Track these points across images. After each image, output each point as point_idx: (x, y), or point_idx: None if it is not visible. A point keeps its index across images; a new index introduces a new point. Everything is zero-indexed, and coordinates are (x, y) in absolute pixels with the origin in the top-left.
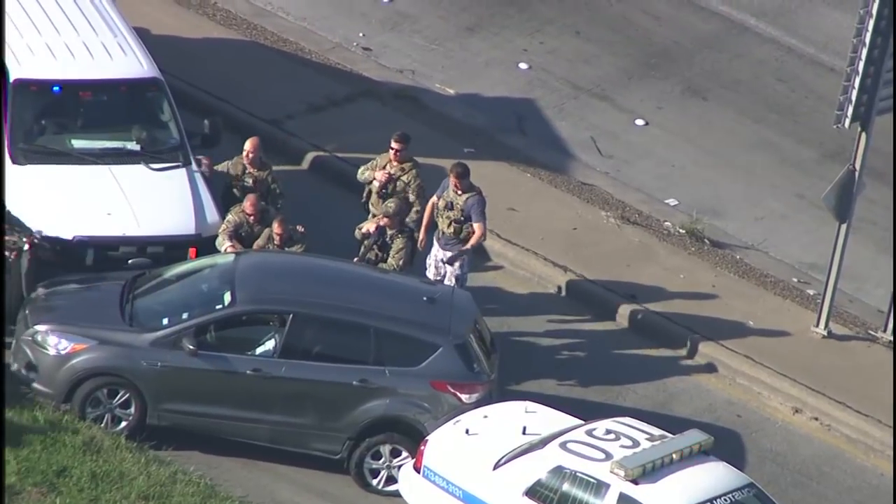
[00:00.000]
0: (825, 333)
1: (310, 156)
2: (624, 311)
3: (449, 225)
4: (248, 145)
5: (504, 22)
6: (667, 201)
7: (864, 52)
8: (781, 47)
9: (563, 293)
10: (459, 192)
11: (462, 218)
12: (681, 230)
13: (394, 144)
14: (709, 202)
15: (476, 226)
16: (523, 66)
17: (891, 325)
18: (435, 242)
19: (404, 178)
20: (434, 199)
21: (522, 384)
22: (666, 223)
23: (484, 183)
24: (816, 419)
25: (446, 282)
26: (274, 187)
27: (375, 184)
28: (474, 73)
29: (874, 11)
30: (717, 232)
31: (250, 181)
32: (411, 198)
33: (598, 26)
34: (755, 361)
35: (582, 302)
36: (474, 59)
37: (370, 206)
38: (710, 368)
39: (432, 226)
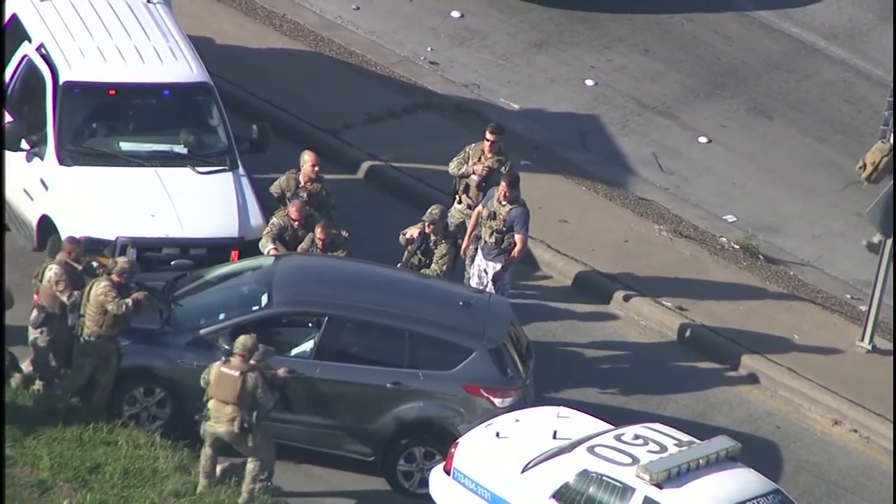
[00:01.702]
0: (869, 348)
1: (365, 165)
2: (669, 322)
3: (491, 235)
4: (309, 157)
5: (573, 39)
6: (724, 217)
7: None
8: (850, 69)
9: (611, 304)
10: (503, 203)
11: (504, 228)
12: (735, 245)
13: (489, 136)
14: (767, 219)
15: (518, 237)
16: (589, 82)
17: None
18: (479, 251)
19: (503, 169)
20: (479, 207)
21: (564, 392)
22: (721, 238)
23: (538, 195)
24: (856, 431)
25: (475, 279)
26: (330, 200)
27: (474, 177)
28: (539, 89)
29: None
30: (772, 248)
31: (304, 195)
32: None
33: (668, 45)
34: (797, 374)
35: (629, 313)
36: (540, 76)
37: (463, 197)
38: (752, 380)
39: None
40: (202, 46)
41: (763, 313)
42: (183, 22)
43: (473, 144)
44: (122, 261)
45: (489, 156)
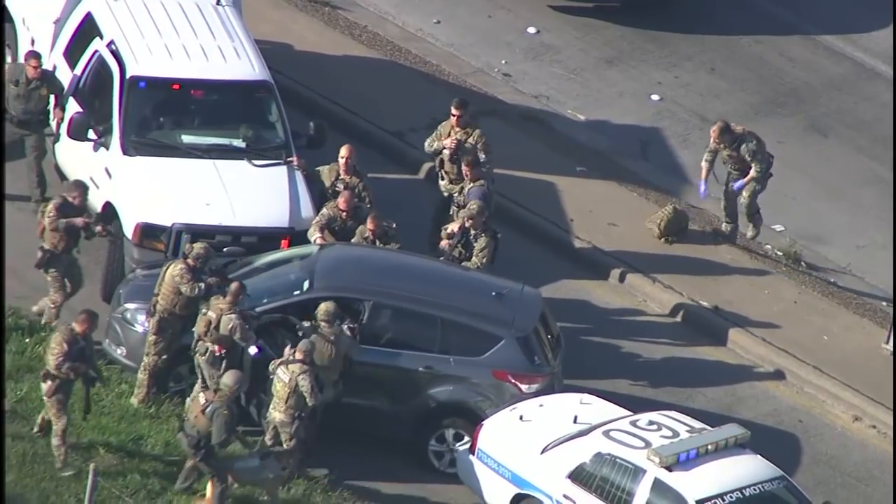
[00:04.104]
0: (892, 350)
1: (426, 166)
2: (704, 320)
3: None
4: (344, 152)
5: (643, 56)
6: (773, 227)
7: None
8: None
9: (649, 302)
10: (468, 180)
11: (463, 204)
12: (778, 252)
13: (454, 111)
14: (814, 230)
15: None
16: (655, 97)
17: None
18: None
19: (471, 140)
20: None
21: (596, 382)
22: (767, 246)
23: (590, 199)
24: (874, 427)
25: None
26: (364, 195)
27: (446, 152)
28: (606, 102)
29: None
30: (816, 257)
31: (342, 187)
32: (482, 156)
33: (734, 64)
34: (822, 372)
35: (667, 311)
36: (609, 90)
37: (443, 173)
38: (779, 376)
39: None
40: (280, 51)
41: (796, 315)
42: (265, 29)
43: (444, 122)
44: (198, 246)
45: (457, 130)
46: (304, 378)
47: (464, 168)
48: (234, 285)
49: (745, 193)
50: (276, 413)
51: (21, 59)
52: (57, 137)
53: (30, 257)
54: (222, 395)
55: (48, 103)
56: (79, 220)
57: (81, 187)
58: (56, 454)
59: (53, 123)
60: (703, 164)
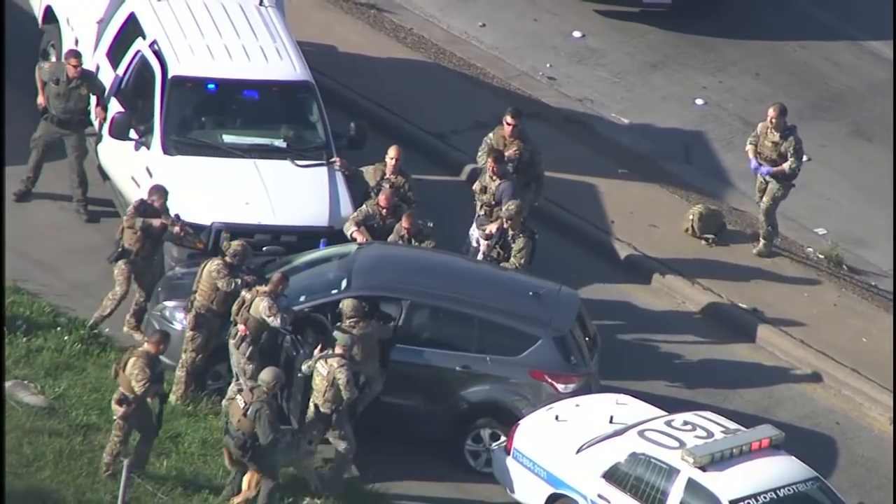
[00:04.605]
0: None
1: (468, 168)
2: (743, 322)
3: (481, 207)
4: (392, 153)
5: (688, 61)
6: (815, 230)
7: None
8: None
9: (687, 303)
10: (493, 179)
11: (493, 202)
12: (819, 255)
13: (509, 120)
14: (856, 234)
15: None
16: (699, 101)
17: None
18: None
19: (524, 150)
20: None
21: (634, 383)
22: (808, 249)
23: (632, 201)
24: None
25: (481, 254)
26: (410, 195)
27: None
28: (650, 106)
29: None
30: (857, 260)
31: (387, 186)
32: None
33: (779, 70)
34: (860, 374)
35: (705, 313)
36: (653, 94)
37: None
38: (816, 378)
39: None
40: (325, 53)
41: (836, 318)
42: (310, 31)
43: (491, 134)
44: (235, 244)
45: (511, 139)
46: (341, 371)
47: (489, 164)
48: (276, 275)
49: (766, 199)
50: (315, 406)
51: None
52: (99, 138)
53: (71, 256)
54: (260, 393)
55: (88, 103)
56: (156, 222)
57: (162, 191)
58: (104, 462)
59: (96, 123)
60: (748, 147)
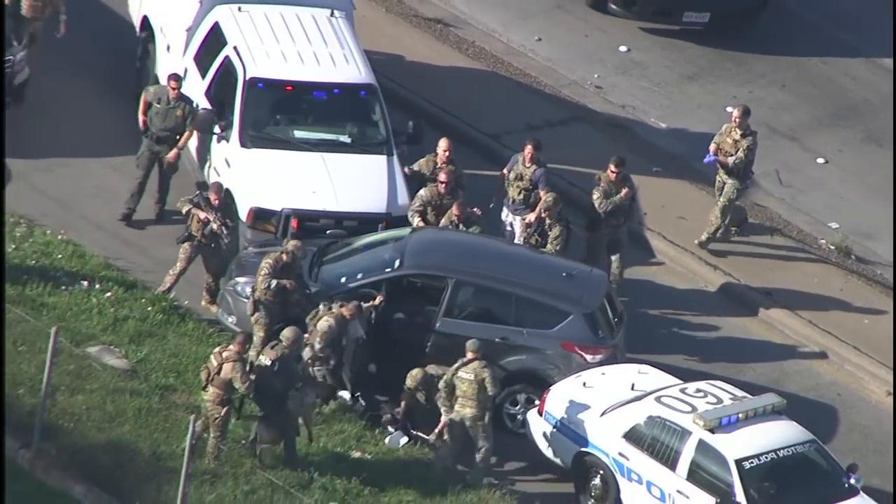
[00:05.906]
0: None
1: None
2: (758, 303)
3: (519, 192)
4: (443, 144)
5: (721, 73)
6: (829, 224)
7: None
8: None
9: (708, 287)
10: (528, 165)
11: (530, 187)
12: (831, 246)
13: (613, 168)
14: (866, 228)
15: (542, 193)
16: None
17: None
18: (504, 208)
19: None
20: (505, 171)
21: (656, 356)
22: (821, 241)
23: (663, 196)
24: None
25: (517, 237)
26: (462, 179)
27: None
28: (686, 113)
29: None
30: (866, 251)
31: (448, 166)
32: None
33: (803, 82)
34: (861, 351)
35: (725, 295)
36: (689, 102)
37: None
38: (822, 355)
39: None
40: (392, 61)
41: (841, 301)
42: (380, 42)
43: (600, 175)
44: (293, 244)
45: (613, 179)
46: (485, 371)
47: (528, 151)
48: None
49: (722, 198)
50: (468, 410)
51: (163, 81)
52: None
53: (160, 240)
54: (280, 349)
55: (183, 123)
56: (201, 214)
57: (220, 189)
58: (210, 445)
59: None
60: (712, 145)
